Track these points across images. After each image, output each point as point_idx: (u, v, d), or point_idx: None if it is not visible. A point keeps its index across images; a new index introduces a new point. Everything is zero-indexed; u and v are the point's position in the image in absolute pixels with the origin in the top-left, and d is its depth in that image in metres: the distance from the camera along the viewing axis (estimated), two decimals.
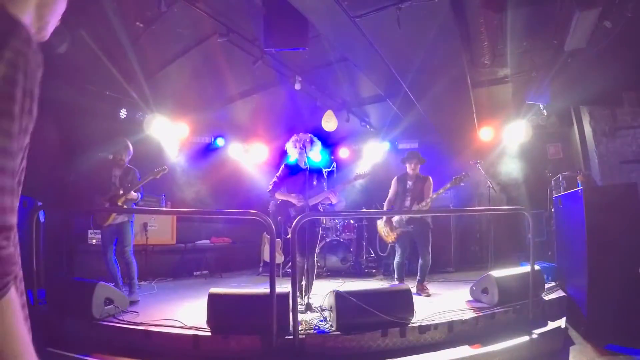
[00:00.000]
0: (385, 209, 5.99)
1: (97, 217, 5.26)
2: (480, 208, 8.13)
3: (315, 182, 4.89)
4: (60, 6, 1.05)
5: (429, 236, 5.56)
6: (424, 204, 5.48)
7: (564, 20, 4.83)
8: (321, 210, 5.12)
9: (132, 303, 4.73)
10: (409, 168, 5.79)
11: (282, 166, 5.04)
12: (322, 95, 7.72)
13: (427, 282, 5.58)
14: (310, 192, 4.76)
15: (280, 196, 4.86)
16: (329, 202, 4.88)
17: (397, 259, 5.70)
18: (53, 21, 1.05)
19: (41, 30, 1.02)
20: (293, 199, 4.80)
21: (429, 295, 5.24)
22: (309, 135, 4.97)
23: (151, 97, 7.07)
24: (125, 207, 5.30)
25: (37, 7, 0.97)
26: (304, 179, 4.75)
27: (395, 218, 5.68)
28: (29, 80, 0.89)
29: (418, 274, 5.53)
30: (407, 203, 5.67)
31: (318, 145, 4.96)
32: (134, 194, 5.29)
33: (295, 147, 4.91)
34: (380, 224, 5.92)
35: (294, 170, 4.94)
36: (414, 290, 5.26)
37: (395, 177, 5.92)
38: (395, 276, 5.72)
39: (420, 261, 5.54)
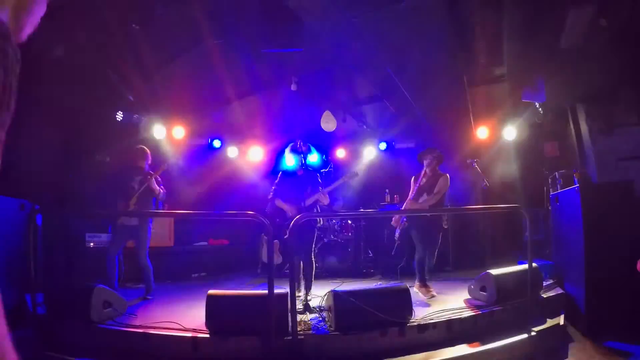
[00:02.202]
0: (404, 208, 5.77)
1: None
2: (478, 207, 8.13)
3: (310, 187, 5.09)
4: (38, 11, 1.04)
5: (431, 234, 5.24)
6: (431, 197, 5.25)
7: (559, 18, 4.84)
8: (318, 210, 5.24)
9: (144, 300, 5.21)
10: (425, 164, 5.53)
11: (280, 173, 5.31)
12: (318, 96, 7.73)
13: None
14: (306, 195, 5.03)
15: (279, 204, 5.10)
16: (321, 204, 5.03)
17: (416, 256, 5.34)
18: (29, 25, 1.03)
19: (16, 32, 1.00)
20: (288, 210, 4.99)
21: (433, 296, 4.92)
22: (305, 143, 5.30)
23: (147, 99, 7.06)
24: (135, 205, 5.39)
25: (14, 8, 0.96)
26: (301, 183, 5.07)
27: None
28: (9, 75, 0.87)
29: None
30: (419, 199, 5.44)
31: (314, 152, 5.20)
32: (155, 186, 5.41)
33: (293, 154, 5.21)
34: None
35: (291, 176, 5.22)
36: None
37: (413, 177, 5.72)
38: (417, 275, 5.26)
39: (415, 256, 5.28)
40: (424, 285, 5.13)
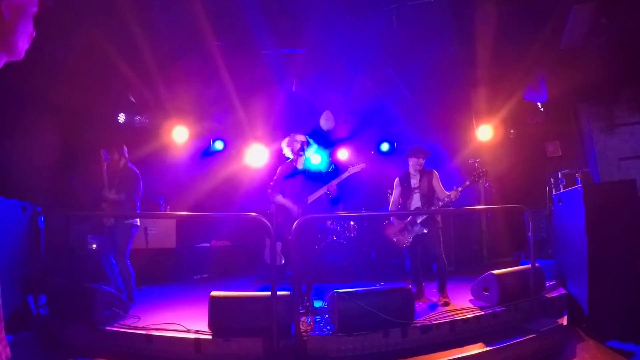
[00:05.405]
0: (395, 216, 5.29)
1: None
2: (480, 207, 8.12)
3: (312, 183, 4.82)
4: (26, 28, 1.03)
5: (440, 236, 4.92)
6: (452, 195, 4.73)
7: (560, 17, 4.84)
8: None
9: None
10: (414, 163, 5.12)
11: (279, 169, 4.96)
12: (320, 96, 7.73)
13: (427, 282, 5.41)
14: (308, 193, 4.76)
15: (280, 200, 4.78)
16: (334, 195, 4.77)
17: (411, 264, 5.16)
18: (21, 44, 1.03)
19: (10, 54, 1.01)
20: (291, 207, 4.70)
21: (447, 304, 4.55)
22: (304, 136, 4.94)
23: (149, 100, 7.07)
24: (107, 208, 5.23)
25: None
26: (301, 181, 4.79)
27: (407, 220, 5.05)
28: None
29: (438, 281, 4.86)
30: (418, 202, 5.03)
31: (313, 147, 4.94)
32: (109, 195, 5.11)
33: (291, 148, 4.89)
34: (390, 229, 5.23)
35: (291, 173, 4.87)
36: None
37: (397, 178, 5.29)
38: (411, 281, 5.08)
39: (435, 266, 4.95)
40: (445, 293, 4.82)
